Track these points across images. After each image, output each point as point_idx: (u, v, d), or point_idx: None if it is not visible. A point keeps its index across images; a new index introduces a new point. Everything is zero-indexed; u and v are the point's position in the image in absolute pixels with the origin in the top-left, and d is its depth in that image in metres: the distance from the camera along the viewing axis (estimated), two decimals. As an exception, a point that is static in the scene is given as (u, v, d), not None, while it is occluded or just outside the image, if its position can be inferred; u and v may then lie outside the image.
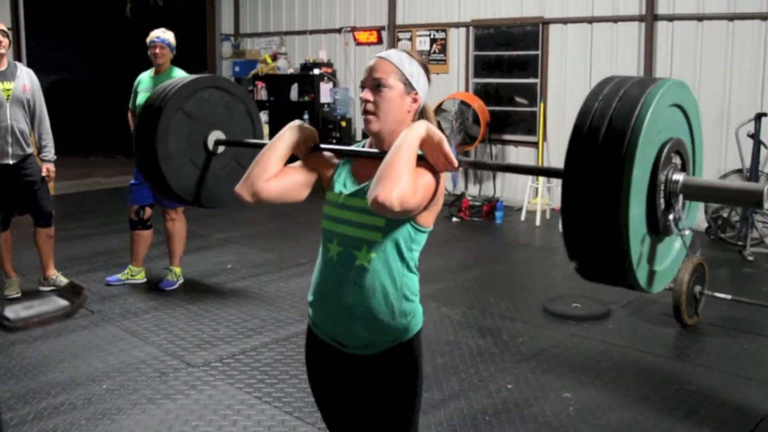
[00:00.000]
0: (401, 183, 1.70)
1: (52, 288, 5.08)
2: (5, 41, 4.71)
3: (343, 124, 10.08)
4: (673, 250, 1.64)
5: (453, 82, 9.06)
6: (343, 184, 1.97)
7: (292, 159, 2.03)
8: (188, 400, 3.50)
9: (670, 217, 1.52)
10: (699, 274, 4.53)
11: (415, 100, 1.93)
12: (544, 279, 5.80)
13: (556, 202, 7.95)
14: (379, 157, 1.88)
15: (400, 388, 1.96)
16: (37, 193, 4.95)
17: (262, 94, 11.01)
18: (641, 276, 1.47)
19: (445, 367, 3.85)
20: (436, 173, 1.83)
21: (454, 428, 3.21)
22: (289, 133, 1.98)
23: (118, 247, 6.40)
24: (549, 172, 1.77)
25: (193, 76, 2.33)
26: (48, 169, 4.94)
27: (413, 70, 1.93)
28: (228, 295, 5.15)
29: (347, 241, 1.92)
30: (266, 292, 5.21)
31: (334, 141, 10.11)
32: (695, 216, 1.70)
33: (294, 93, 10.65)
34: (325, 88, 10.31)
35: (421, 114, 2.00)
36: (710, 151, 7.00)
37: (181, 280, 5.34)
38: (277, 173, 1.95)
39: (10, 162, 4.77)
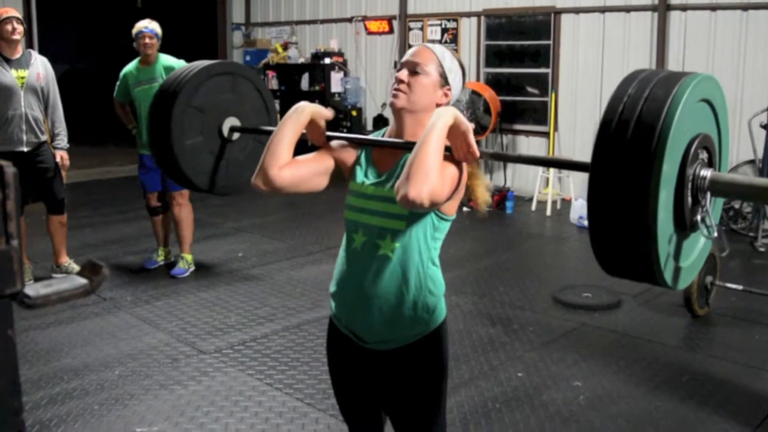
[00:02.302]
0: (430, 179, 1.69)
1: (65, 275, 5.08)
2: (20, 28, 4.72)
3: (354, 113, 10.07)
4: (698, 246, 1.62)
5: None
6: (365, 173, 1.97)
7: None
8: (200, 387, 3.53)
9: (698, 213, 1.50)
10: (710, 265, 4.52)
11: (446, 95, 1.93)
12: (555, 269, 5.80)
13: (567, 193, 7.93)
14: (401, 147, 1.89)
15: (421, 384, 1.96)
16: (51, 180, 4.99)
17: (273, 83, 11.01)
18: (667, 273, 1.46)
19: (456, 355, 3.86)
20: (459, 162, 1.83)
21: (464, 416, 3.22)
22: (293, 116, 1.96)
23: (131, 234, 6.44)
24: (574, 166, 1.74)
25: (199, 67, 2.28)
26: (62, 156, 4.98)
27: (452, 67, 1.94)
28: (239, 283, 5.17)
29: (371, 230, 1.91)
30: (277, 281, 5.23)
31: (345, 130, 10.11)
32: (719, 212, 1.69)
33: (305, 82, 10.64)
34: (335, 77, 10.30)
35: None
36: (723, 141, 6.96)
37: (192, 268, 5.37)
38: (289, 160, 1.93)
39: (25, 149, 4.80)
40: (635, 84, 1.44)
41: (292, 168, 1.93)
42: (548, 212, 7.53)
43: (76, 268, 5.21)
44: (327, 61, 10.25)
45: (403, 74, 1.91)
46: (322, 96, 10.44)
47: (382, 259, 1.89)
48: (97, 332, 4.25)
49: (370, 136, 2.06)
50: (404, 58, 1.95)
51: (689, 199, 1.47)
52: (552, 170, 7.77)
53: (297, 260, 5.76)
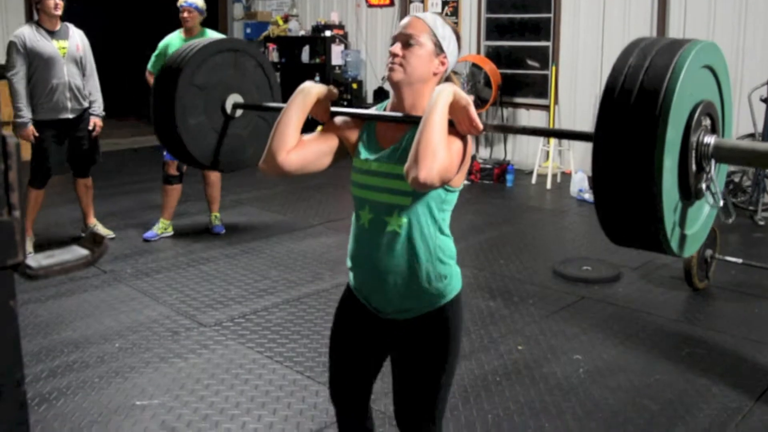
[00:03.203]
0: (439, 158, 1.68)
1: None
2: (61, 3, 5.00)
3: (354, 86, 10.00)
4: (703, 214, 1.61)
5: (464, 45, 8.95)
6: (368, 149, 1.95)
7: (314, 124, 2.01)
8: (200, 359, 3.53)
9: (702, 181, 1.49)
10: (710, 239, 4.51)
11: (442, 63, 1.92)
12: (555, 242, 5.80)
13: (567, 166, 7.90)
14: (403, 121, 1.87)
15: (433, 354, 1.96)
16: (87, 144, 5.26)
17: (274, 56, 10.93)
18: (673, 241, 1.45)
19: (456, 328, 3.86)
20: (463, 135, 1.82)
21: (464, 389, 3.23)
22: (299, 98, 1.94)
23: (131, 207, 6.44)
24: (577, 135, 1.73)
25: (200, 44, 2.27)
26: (95, 123, 5.25)
27: (445, 34, 1.92)
28: (239, 255, 5.17)
29: (378, 207, 1.91)
30: (277, 253, 5.22)
31: (345, 103, 10.05)
32: (723, 180, 1.67)
33: (305, 55, 10.56)
34: (336, 50, 10.22)
35: (447, 80, 1.98)
36: (724, 115, 6.93)
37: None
38: (296, 143, 1.92)
39: (70, 116, 5.10)
40: (637, 52, 1.42)
41: (299, 151, 1.92)
42: (548, 185, 7.52)
43: (103, 230, 5.51)
44: (328, 33, 10.16)
45: (397, 47, 1.89)
46: (323, 69, 10.36)
47: (391, 235, 1.89)
48: (97, 305, 4.25)
49: (372, 110, 2.03)
50: (396, 31, 1.92)
51: (693, 167, 1.46)
52: (552, 144, 7.74)
53: (297, 233, 5.75)
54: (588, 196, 6.93)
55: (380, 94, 9.88)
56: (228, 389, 3.24)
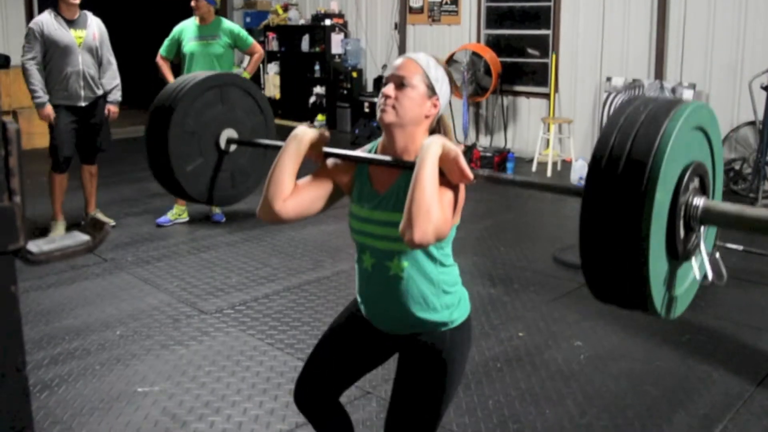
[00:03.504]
0: (432, 217, 1.68)
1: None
2: None
3: (354, 74, 9.98)
4: (692, 273, 1.59)
5: (464, 34, 8.92)
6: (363, 194, 1.96)
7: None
8: (201, 346, 3.54)
9: (691, 242, 1.48)
10: (712, 226, 4.50)
11: (435, 105, 1.90)
12: (555, 229, 5.79)
13: (567, 154, 7.89)
14: (396, 166, 1.87)
15: (432, 383, 1.95)
16: (99, 132, 5.32)
17: (273, 45, 10.89)
18: (659, 303, 1.44)
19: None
20: (451, 187, 1.80)
21: (465, 375, 3.22)
22: (293, 145, 1.94)
23: (132, 195, 6.44)
24: (568, 191, 1.69)
25: (186, 86, 2.22)
26: (110, 110, 5.31)
27: (438, 75, 1.91)
28: (240, 243, 5.17)
29: (378, 253, 1.93)
30: (278, 241, 5.23)
31: (345, 92, 10.02)
32: (713, 239, 1.64)
33: (305, 44, 10.53)
34: (336, 38, 10.19)
35: (437, 122, 1.98)
36: (724, 102, 6.91)
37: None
38: (292, 191, 1.93)
39: (83, 104, 5.16)
40: (628, 114, 1.41)
41: (295, 198, 1.93)
42: (549, 173, 7.51)
43: (103, 218, 5.48)
44: (327, 22, 10.12)
45: (390, 89, 1.88)
46: (323, 57, 10.33)
47: (394, 279, 1.92)
48: (98, 292, 4.25)
49: (365, 152, 2.02)
50: (389, 72, 1.91)
51: (682, 229, 1.45)
52: (553, 131, 7.72)
53: (298, 221, 5.75)
54: (588, 183, 6.92)
55: (380, 83, 9.85)
56: (229, 376, 3.24)
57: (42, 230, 5.29)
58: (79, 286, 4.34)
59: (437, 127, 1.98)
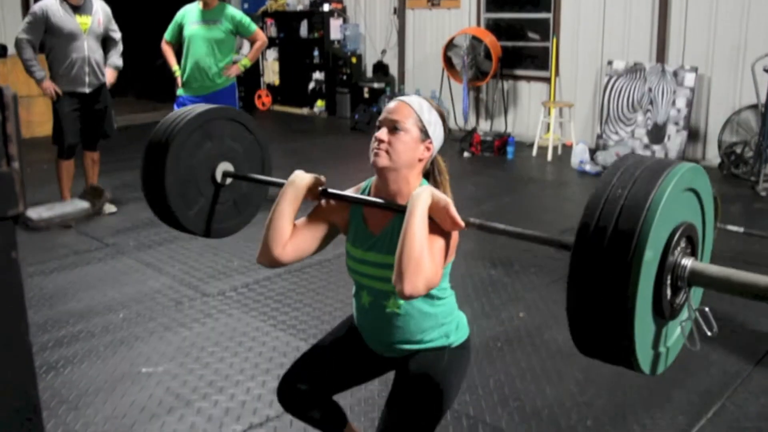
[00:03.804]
0: (422, 270, 1.69)
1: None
2: None
3: (354, 60, 9.95)
4: (678, 329, 1.60)
5: (464, 18, 8.89)
6: (358, 235, 1.99)
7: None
8: (204, 328, 3.57)
9: (677, 302, 1.49)
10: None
11: (428, 149, 1.92)
12: (555, 212, 5.80)
13: (568, 137, 7.88)
14: (389, 209, 1.89)
15: (425, 393, 1.97)
16: (102, 119, 5.33)
17: (272, 30, 10.86)
18: (644, 361, 1.45)
19: (458, 297, 3.87)
20: (444, 233, 1.81)
21: (465, 355, 3.26)
22: (290, 191, 1.96)
23: (132, 181, 6.43)
24: (558, 244, 1.68)
25: (195, 112, 2.22)
26: (110, 73, 5.29)
27: (431, 119, 1.92)
28: (240, 228, 5.18)
29: (375, 292, 1.96)
30: (278, 226, 5.23)
31: (344, 78, 10.00)
32: (699, 297, 1.64)
33: (304, 29, 10.50)
34: (335, 24, 10.16)
35: (432, 164, 2.00)
36: (726, 85, 6.89)
37: None
38: (290, 236, 1.95)
39: (87, 90, 5.17)
40: (620, 173, 1.41)
41: (294, 242, 1.96)
42: (549, 157, 7.51)
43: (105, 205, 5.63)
44: (326, 8, 10.09)
45: (383, 133, 1.89)
46: (321, 43, 10.30)
47: (391, 315, 1.96)
48: (101, 277, 4.28)
49: (359, 191, 2.04)
50: (382, 116, 1.92)
51: (669, 290, 1.45)
52: (553, 116, 7.72)
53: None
54: (589, 167, 6.93)
55: (379, 69, 9.83)
56: (232, 356, 3.27)
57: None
58: (82, 271, 4.37)
59: (432, 168, 2.01)
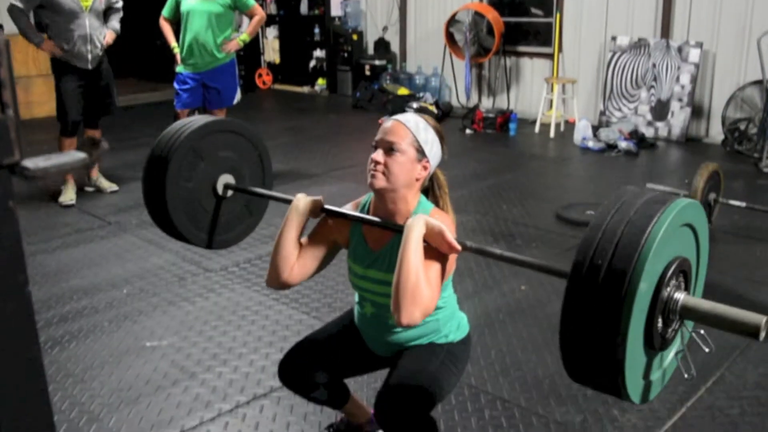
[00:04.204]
0: (418, 300, 1.73)
1: (95, 188, 5.56)
2: None
3: (355, 37, 9.89)
4: (667, 359, 1.63)
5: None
6: (359, 252, 2.02)
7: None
8: (207, 303, 3.59)
9: (668, 334, 1.51)
10: (714, 182, 4.49)
11: (425, 168, 1.93)
12: (558, 188, 5.80)
13: (571, 114, 7.85)
14: (387, 228, 1.91)
15: (428, 355, 2.01)
16: (103, 96, 5.32)
17: (272, 8, 10.79)
18: (634, 391, 1.47)
19: (460, 269, 3.88)
20: (441, 254, 1.82)
21: (467, 327, 3.28)
22: (293, 216, 2.02)
23: (133, 161, 6.43)
24: (554, 272, 1.68)
25: (183, 134, 2.20)
26: (108, 34, 5.25)
27: (428, 138, 1.92)
28: (243, 205, 5.19)
29: (376, 305, 2.01)
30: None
31: (346, 56, 9.95)
32: (688, 336, 1.65)
33: (304, 6, 10.43)
34: (335, 1, 10.08)
35: (431, 179, 2.01)
36: (731, 60, 6.84)
37: None
38: (296, 257, 2.00)
39: (89, 67, 5.17)
40: (617, 207, 1.43)
41: (300, 264, 2.01)
42: (551, 134, 7.48)
43: (105, 183, 5.58)
44: (326, -17, 10.01)
45: (379, 155, 1.90)
46: (322, 20, 10.24)
47: (393, 326, 2.01)
48: (104, 254, 4.29)
49: (358, 207, 2.07)
50: (378, 136, 1.92)
51: (660, 322, 1.47)
52: (556, 92, 7.68)
53: (300, 182, 5.75)
54: (591, 144, 6.90)
55: (380, 46, 9.77)
56: (235, 329, 3.29)
57: (53, 194, 5.33)
58: (85, 248, 4.39)
59: (431, 184, 2.03)
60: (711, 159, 4.84)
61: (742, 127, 6.71)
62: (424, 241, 1.78)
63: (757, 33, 6.44)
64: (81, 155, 0.81)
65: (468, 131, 7.74)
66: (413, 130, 1.90)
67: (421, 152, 1.91)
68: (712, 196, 4.50)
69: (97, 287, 3.81)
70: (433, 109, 8.20)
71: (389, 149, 1.89)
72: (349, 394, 2.31)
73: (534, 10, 8.47)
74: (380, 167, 1.89)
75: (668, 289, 1.46)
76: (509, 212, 4.96)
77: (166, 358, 3.05)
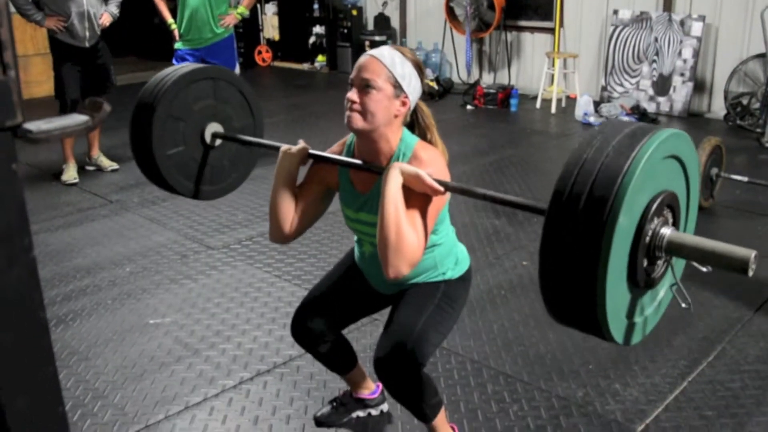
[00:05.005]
0: (402, 253, 1.71)
1: (96, 167, 5.56)
2: None
3: (354, 13, 9.81)
4: (656, 300, 1.57)
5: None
6: (347, 196, 2.01)
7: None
8: (209, 280, 3.59)
9: (654, 272, 1.46)
10: (716, 156, 4.48)
11: (404, 104, 1.87)
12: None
13: (572, 90, 7.81)
14: (367, 170, 1.89)
15: (424, 295, 2.02)
16: (101, 75, 5.31)
17: (271, -16, 10.69)
18: (617, 331, 1.42)
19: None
20: (428, 195, 1.79)
21: (470, 302, 3.27)
22: (283, 168, 1.97)
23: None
24: (531, 209, 1.66)
25: (175, 75, 2.17)
26: (105, 16, 5.21)
27: (405, 72, 1.85)
28: (244, 182, 5.16)
29: (375, 245, 1.94)
30: (282, 181, 5.23)
31: (345, 32, 9.88)
32: (682, 266, 1.61)
33: (303, -18, 10.33)
34: (334, -24, 9.99)
35: (414, 113, 1.96)
36: (733, 34, 6.79)
37: None
38: (294, 209, 1.98)
39: (87, 45, 5.14)
40: (599, 138, 1.37)
41: (299, 214, 1.99)
42: (553, 110, 7.45)
43: (106, 162, 5.60)
44: (325, -42, 9.91)
45: (354, 94, 1.84)
46: (322, -4, 10.14)
47: None
48: (106, 233, 4.29)
49: (344, 147, 2.04)
50: (353, 74, 1.86)
51: (645, 259, 1.42)
52: (557, 67, 7.63)
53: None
54: (593, 119, 6.88)
55: (380, 21, 9.69)
56: (238, 306, 3.30)
57: (55, 174, 5.32)
58: (87, 227, 4.39)
59: (415, 117, 1.97)
60: (713, 134, 4.82)
61: (745, 101, 6.68)
62: (406, 187, 1.76)
63: (761, 6, 6.38)
64: (83, 118, 0.80)
65: (469, 107, 7.70)
66: (389, 66, 1.83)
67: (398, 87, 1.84)
68: (714, 170, 4.48)
69: (99, 266, 3.81)
70: (434, 85, 8.16)
71: (364, 87, 1.82)
72: (356, 360, 2.33)
73: (535, -15, 8.39)
74: (356, 106, 1.83)
75: (653, 224, 1.41)
76: (511, 188, 4.95)
77: (170, 335, 3.06)
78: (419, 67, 1.91)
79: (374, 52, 1.87)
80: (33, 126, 0.77)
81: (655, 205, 1.39)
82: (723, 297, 3.33)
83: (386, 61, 1.84)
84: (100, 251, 4.01)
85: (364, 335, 2.98)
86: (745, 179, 4.60)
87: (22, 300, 0.81)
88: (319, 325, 2.15)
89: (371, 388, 2.44)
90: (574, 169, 1.34)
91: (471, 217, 4.36)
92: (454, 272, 2.06)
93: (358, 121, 1.84)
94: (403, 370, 1.92)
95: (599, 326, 1.38)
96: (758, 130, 6.31)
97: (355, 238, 2.12)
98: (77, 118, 0.80)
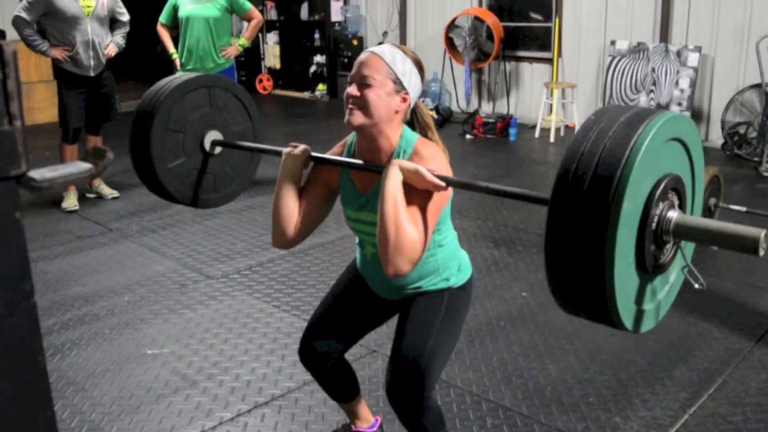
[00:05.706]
0: (402, 251, 1.71)
1: (96, 195, 5.56)
2: None
3: (355, 42, 9.91)
4: (666, 286, 1.56)
5: (466, -2, 8.84)
6: (348, 197, 2.01)
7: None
8: (208, 310, 3.58)
9: (662, 257, 1.44)
10: (714, 186, 4.49)
11: (404, 100, 1.88)
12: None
13: (571, 119, 7.86)
14: (368, 170, 1.88)
15: (428, 313, 2.00)
16: (106, 104, 5.34)
17: (272, 13, 10.82)
18: (627, 317, 1.40)
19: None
20: (429, 192, 1.79)
21: (469, 333, 3.27)
22: (286, 171, 1.97)
23: (131, 167, 6.45)
24: (534, 199, 1.66)
25: (172, 85, 2.18)
26: (110, 46, 5.24)
27: (405, 69, 1.87)
28: (243, 211, 5.19)
29: (375, 245, 1.94)
30: (281, 209, 5.24)
31: (346, 61, 9.97)
32: (692, 249, 1.60)
33: (304, 12, 10.46)
34: (335, 6, 10.11)
35: (413, 112, 1.97)
36: (729, 64, 6.85)
37: None
38: (297, 213, 1.97)
39: (92, 74, 5.17)
40: (600, 123, 1.37)
41: (302, 220, 1.97)
42: (552, 139, 7.49)
43: (107, 190, 5.59)
44: (326, -11, 10.03)
45: (354, 90, 1.84)
46: (322, 26, 10.26)
47: None
48: (105, 261, 4.29)
49: (344, 147, 2.04)
50: (352, 71, 1.87)
51: (652, 243, 1.41)
52: (555, 97, 7.69)
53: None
54: (592, 148, 6.90)
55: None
56: (236, 337, 3.29)
57: (56, 201, 5.33)
58: (86, 255, 4.39)
59: (414, 116, 1.98)
60: (711, 163, 4.84)
61: (742, 131, 6.72)
62: (407, 184, 1.75)
63: (756, 36, 6.45)
64: (87, 166, 0.81)
65: (468, 136, 7.74)
66: (389, 62, 1.84)
67: (398, 84, 1.84)
68: (712, 200, 4.50)
69: (98, 294, 3.80)
70: (433, 114, 8.21)
71: (364, 83, 1.83)
72: (359, 389, 2.32)
73: (533, 15, 8.49)
74: (357, 101, 1.84)
75: (659, 208, 1.39)
76: (509, 217, 4.96)
77: (168, 365, 3.04)
78: (419, 65, 1.92)
79: (374, 49, 1.89)
80: (37, 174, 0.77)
81: (659, 189, 1.38)
82: (723, 328, 3.32)
83: (386, 58, 1.85)
84: (99, 280, 4.00)
85: (363, 367, 2.97)
86: (744, 209, 4.61)
87: (22, 346, 0.81)
88: (326, 344, 2.13)
89: (370, 421, 2.43)
90: (577, 152, 1.33)
91: (470, 247, 4.36)
92: (457, 279, 2.04)
93: (359, 117, 1.84)
94: (415, 396, 1.92)
95: (608, 312, 1.36)
96: (756, 159, 6.35)
97: (357, 240, 2.11)
98: (81, 166, 0.81)
